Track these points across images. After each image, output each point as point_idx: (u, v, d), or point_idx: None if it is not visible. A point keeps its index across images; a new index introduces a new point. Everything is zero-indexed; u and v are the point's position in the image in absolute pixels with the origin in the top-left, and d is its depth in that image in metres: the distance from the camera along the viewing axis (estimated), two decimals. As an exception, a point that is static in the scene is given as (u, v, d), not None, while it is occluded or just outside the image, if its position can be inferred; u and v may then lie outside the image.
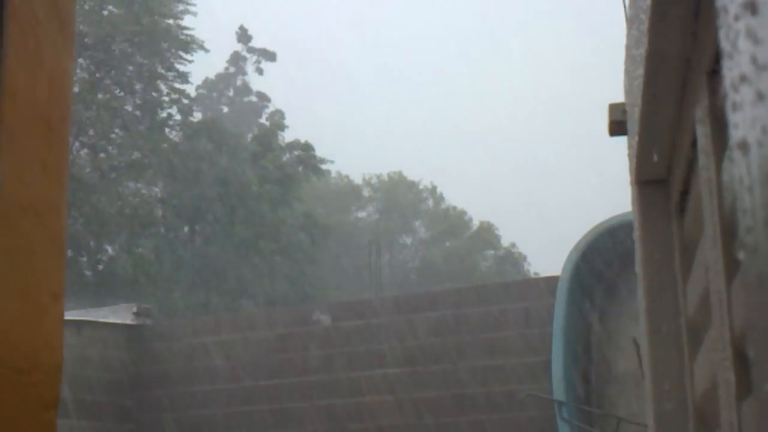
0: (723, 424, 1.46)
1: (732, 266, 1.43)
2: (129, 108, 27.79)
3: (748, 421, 1.28)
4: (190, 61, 28.39)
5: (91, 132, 26.58)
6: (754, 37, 0.69)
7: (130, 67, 27.33)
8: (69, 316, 10.67)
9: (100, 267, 25.09)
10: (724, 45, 0.78)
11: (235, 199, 26.40)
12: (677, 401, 2.10)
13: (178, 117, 28.52)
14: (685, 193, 1.98)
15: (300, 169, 28.97)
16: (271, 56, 40.01)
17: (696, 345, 1.94)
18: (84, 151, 26.49)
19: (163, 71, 28.07)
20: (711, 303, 1.58)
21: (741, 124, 0.71)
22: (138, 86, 27.76)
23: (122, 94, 27.67)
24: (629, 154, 2.39)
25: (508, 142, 69.39)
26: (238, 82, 41.18)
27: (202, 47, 28.62)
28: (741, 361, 1.36)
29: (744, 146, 0.70)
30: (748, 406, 1.28)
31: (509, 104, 75.17)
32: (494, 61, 75.65)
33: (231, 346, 12.14)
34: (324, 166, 30.93)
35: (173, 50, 28.05)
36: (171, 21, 28.02)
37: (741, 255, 0.73)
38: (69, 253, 21.06)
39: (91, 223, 24.36)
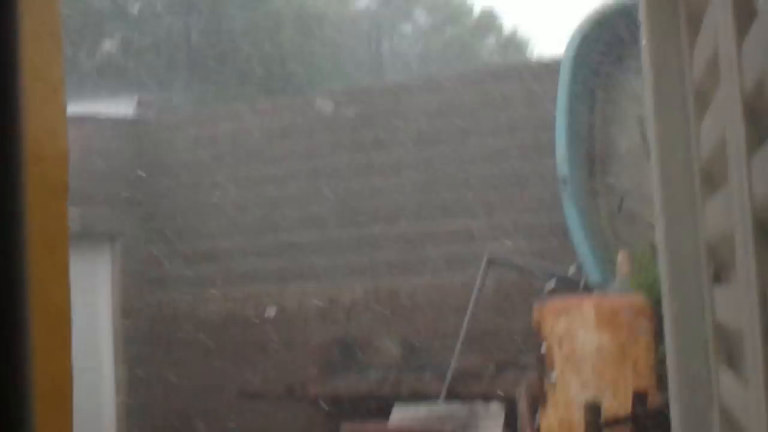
0: (731, 179, 1.49)
1: (743, 26, 1.42)
2: None
3: (758, 173, 1.31)
4: None
5: None
6: None
7: None
8: (69, 109, 10.64)
9: (98, 59, 24.84)
10: None
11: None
12: (683, 164, 2.14)
13: None
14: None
15: None
16: None
17: (703, 108, 1.95)
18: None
19: None
20: (720, 64, 1.58)
21: None
22: None
23: None
24: None
25: None
26: None
27: None
28: (751, 116, 1.38)
29: None
30: (758, 158, 1.30)
31: None
32: None
33: (234, 135, 12.18)
34: None
35: None
36: None
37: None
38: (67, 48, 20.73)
39: (86, 17, 23.92)
